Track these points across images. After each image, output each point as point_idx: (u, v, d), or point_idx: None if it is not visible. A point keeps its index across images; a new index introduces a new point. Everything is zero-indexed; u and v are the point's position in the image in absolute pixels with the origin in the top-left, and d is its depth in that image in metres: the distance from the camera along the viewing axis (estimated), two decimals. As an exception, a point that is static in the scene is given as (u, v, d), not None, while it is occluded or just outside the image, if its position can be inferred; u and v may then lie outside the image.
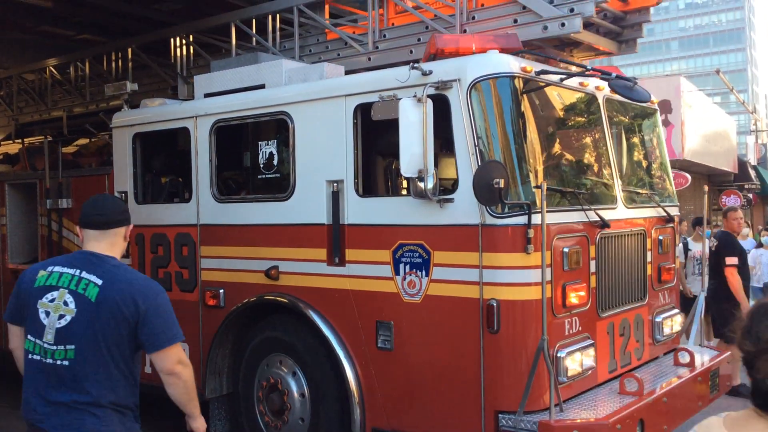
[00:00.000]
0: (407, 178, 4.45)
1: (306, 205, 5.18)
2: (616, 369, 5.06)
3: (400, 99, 4.34)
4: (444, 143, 5.01)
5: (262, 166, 5.51)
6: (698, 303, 6.26)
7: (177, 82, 7.08)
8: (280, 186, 5.38)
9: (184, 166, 6.02)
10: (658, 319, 5.69)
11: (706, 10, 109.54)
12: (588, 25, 5.24)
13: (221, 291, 5.74)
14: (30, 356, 3.01)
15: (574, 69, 5.06)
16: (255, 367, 5.60)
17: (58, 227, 7.34)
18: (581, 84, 4.97)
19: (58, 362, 2.93)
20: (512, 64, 4.47)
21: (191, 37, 7.29)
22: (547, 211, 4.40)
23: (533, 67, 4.54)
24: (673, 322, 5.88)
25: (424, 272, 4.64)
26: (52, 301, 2.98)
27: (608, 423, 4.21)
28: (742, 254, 7.97)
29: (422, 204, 4.55)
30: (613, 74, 4.61)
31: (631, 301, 5.32)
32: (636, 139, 5.98)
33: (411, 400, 4.74)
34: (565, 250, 4.55)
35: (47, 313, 2.97)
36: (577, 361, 4.60)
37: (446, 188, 4.71)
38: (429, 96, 4.39)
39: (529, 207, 4.27)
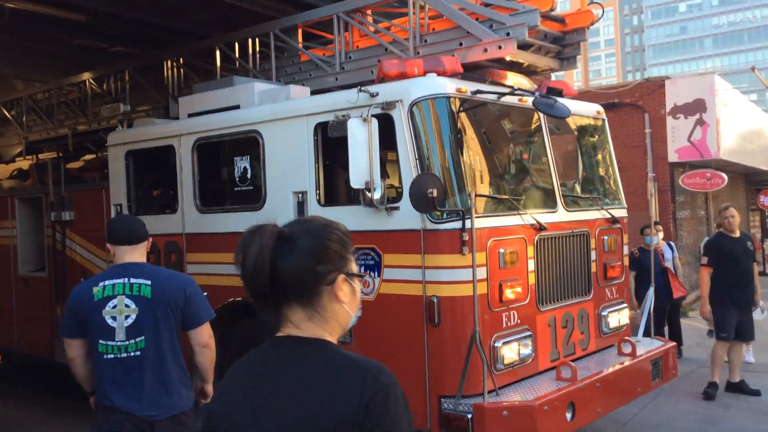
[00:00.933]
0: (352, 191, 4.99)
1: (276, 214, 5.72)
2: (558, 358, 5.55)
3: (348, 119, 4.89)
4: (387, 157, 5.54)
5: (237, 179, 6.09)
6: (648, 297, 6.74)
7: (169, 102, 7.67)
8: (254, 197, 5.95)
9: (171, 180, 6.61)
10: (604, 313, 6.18)
11: (740, 6, 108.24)
12: (529, 47, 5.75)
13: (205, 294, 6.30)
14: (105, 357, 3.67)
15: (522, 87, 5.61)
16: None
17: (62, 238, 7.97)
18: (520, 100, 5.49)
19: (132, 354, 3.64)
20: (448, 86, 5.01)
21: (181, 60, 7.89)
22: (484, 216, 4.96)
23: (468, 87, 5.07)
24: (620, 316, 6.37)
25: (376, 273, 5.18)
26: (114, 307, 3.68)
27: (535, 405, 4.73)
28: (729, 253, 7.82)
29: (373, 212, 5.09)
30: (537, 93, 5.13)
31: (574, 296, 5.82)
32: (581, 148, 6.47)
33: (368, 387, 5.28)
34: (501, 250, 5.07)
35: (114, 318, 3.68)
36: (514, 350, 5.11)
37: (395, 197, 5.24)
38: (376, 115, 4.94)
39: (463, 213, 4.80)
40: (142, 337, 3.67)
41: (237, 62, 7.31)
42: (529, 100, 5.50)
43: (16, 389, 9.01)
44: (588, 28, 5.93)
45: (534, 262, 5.38)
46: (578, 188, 6.26)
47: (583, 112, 6.46)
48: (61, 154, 9.96)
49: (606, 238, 6.26)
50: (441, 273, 4.88)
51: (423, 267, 4.92)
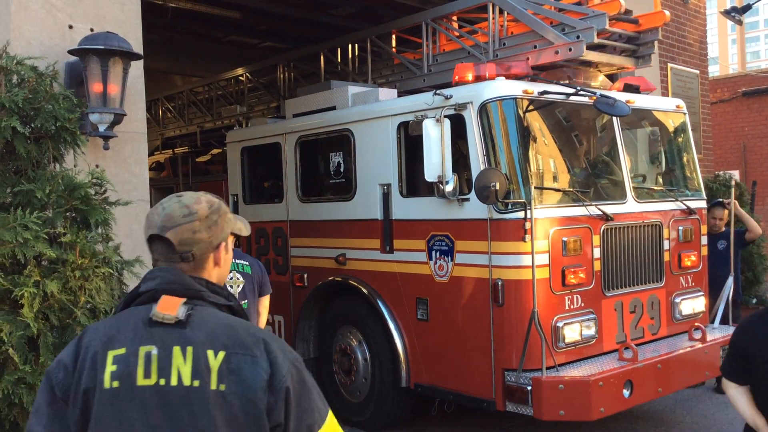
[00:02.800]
0: (428, 183, 5.56)
1: (364, 204, 6.42)
2: (624, 341, 5.90)
3: (423, 119, 5.47)
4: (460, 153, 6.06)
5: (332, 172, 6.81)
6: (726, 286, 6.90)
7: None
8: (346, 189, 6.65)
9: (278, 173, 7.42)
10: (677, 300, 6.43)
11: None
12: (602, 47, 6.09)
13: (305, 274, 7.10)
14: None
15: (594, 85, 6.01)
16: (332, 335, 6.91)
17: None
18: (591, 99, 5.86)
19: None
20: (515, 88, 5.48)
21: (291, 64, 8.73)
22: (547, 207, 5.42)
23: (534, 89, 5.51)
24: (695, 304, 6.59)
25: (449, 258, 5.75)
26: (230, 279, 5.07)
27: (590, 380, 5.15)
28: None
29: (446, 203, 5.66)
30: (598, 93, 5.49)
31: (644, 283, 6.13)
32: (658, 141, 6.73)
33: (442, 360, 5.87)
34: (564, 239, 5.49)
35: (230, 287, 5.03)
36: (576, 330, 5.53)
37: (467, 190, 5.77)
38: (449, 116, 5.50)
39: (525, 204, 5.27)
40: (245, 301, 5.12)
41: (339, 66, 8.02)
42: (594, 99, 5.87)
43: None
44: (661, 28, 6.18)
45: (600, 250, 5.75)
46: (652, 180, 6.52)
47: (661, 106, 6.71)
48: (191, 149, 11.11)
49: (681, 228, 6.50)
50: (505, 258, 5.38)
51: (489, 252, 5.44)
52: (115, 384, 1.83)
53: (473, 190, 5.42)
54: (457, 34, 6.79)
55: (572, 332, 5.52)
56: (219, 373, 1.83)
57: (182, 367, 1.84)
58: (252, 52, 11.58)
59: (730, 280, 6.89)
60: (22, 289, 3.37)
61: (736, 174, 12.68)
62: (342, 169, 6.71)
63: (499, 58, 6.36)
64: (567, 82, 6.03)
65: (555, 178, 5.77)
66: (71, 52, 4.56)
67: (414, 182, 6.12)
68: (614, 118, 6.03)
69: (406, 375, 6.13)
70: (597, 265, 5.74)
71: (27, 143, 3.68)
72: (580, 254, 5.61)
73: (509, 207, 5.35)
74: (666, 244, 6.34)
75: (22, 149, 3.65)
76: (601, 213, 5.72)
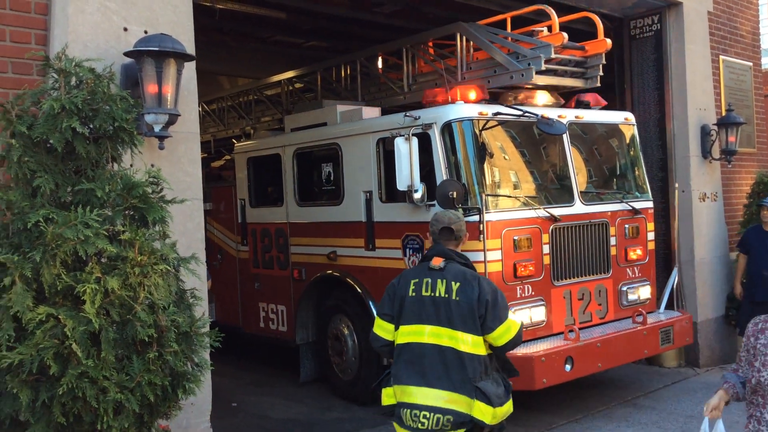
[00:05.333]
0: (401, 191, 6.56)
1: (351, 208, 7.44)
2: (573, 324, 6.87)
3: (396, 137, 6.47)
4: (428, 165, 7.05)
5: (324, 180, 7.85)
6: (672, 275, 7.86)
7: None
8: (335, 195, 7.68)
9: (279, 181, 8.46)
10: (623, 289, 7.40)
11: None
12: (552, 71, 7.05)
13: (303, 268, 8.15)
14: None
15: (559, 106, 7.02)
16: (326, 322, 7.96)
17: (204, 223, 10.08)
18: (542, 116, 6.82)
19: None
20: (471, 111, 6.47)
21: (294, 83, 9.77)
22: (499, 212, 6.41)
23: (489, 111, 6.50)
24: (640, 292, 7.56)
25: (420, 254, 6.76)
26: None
27: (533, 356, 6.15)
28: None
29: (417, 208, 6.66)
30: (538, 116, 6.48)
31: (591, 274, 7.10)
32: (606, 150, 7.69)
33: (416, 342, 6.89)
34: (515, 237, 6.48)
35: None
36: (525, 315, 6.52)
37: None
38: (417, 134, 6.50)
39: (480, 209, 6.27)
40: None
41: (333, 84, 9.04)
42: (551, 115, 6.85)
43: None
44: (604, 54, 7.14)
45: (549, 247, 6.74)
46: (599, 185, 7.49)
47: (610, 120, 7.67)
48: (207, 154, 12.15)
49: (627, 226, 7.46)
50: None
51: (451, 250, 6.44)
52: (413, 294, 4.03)
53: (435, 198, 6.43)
54: (431, 58, 7.77)
55: (523, 316, 6.51)
56: (457, 292, 3.94)
57: (441, 288, 3.98)
58: (297, 51, 11.84)
59: (675, 270, 7.83)
60: (84, 286, 3.42)
61: None
62: (332, 178, 7.74)
63: (465, 80, 7.34)
64: (521, 102, 7.02)
65: (509, 186, 6.75)
66: (127, 54, 4.61)
67: (391, 190, 7.09)
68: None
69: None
70: (546, 260, 6.73)
71: (86, 143, 3.72)
72: (530, 250, 6.59)
73: (466, 212, 6.34)
74: (613, 240, 7.31)
75: (82, 149, 3.69)
76: (548, 215, 6.70)
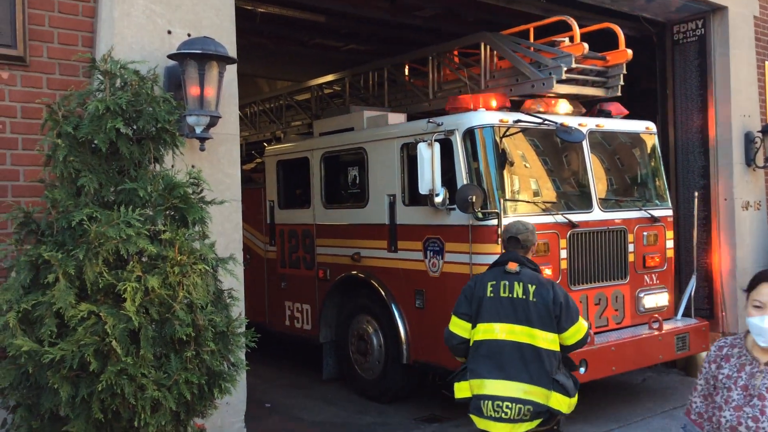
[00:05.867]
0: (423, 195, 6.78)
1: (375, 211, 7.68)
2: (589, 327, 7.00)
3: (419, 142, 6.69)
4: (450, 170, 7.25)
5: (350, 183, 8.10)
6: (691, 283, 7.95)
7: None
8: (360, 197, 7.92)
9: (307, 183, 8.73)
10: (640, 295, 7.53)
11: None
12: (573, 81, 7.22)
13: (328, 269, 8.40)
14: None
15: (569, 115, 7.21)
16: (350, 322, 8.19)
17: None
18: (563, 124, 6.99)
19: None
20: (492, 118, 6.67)
21: (323, 89, 10.06)
22: (519, 216, 6.59)
23: (509, 118, 6.70)
24: (657, 299, 7.68)
25: (441, 256, 6.97)
26: None
27: (548, 357, 6.31)
28: None
29: (438, 211, 6.87)
30: (558, 124, 6.65)
31: (608, 280, 7.24)
32: (626, 159, 7.82)
33: (436, 342, 7.07)
34: (533, 242, 6.66)
35: None
36: (542, 318, 6.69)
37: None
38: (440, 140, 6.72)
39: (498, 214, 6.46)
40: None
41: (361, 90, 9.31)
42: (571, 122, 7.02)
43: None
44: (625, 63, 7.29)
45: (567, 252, 6.90)
46: (619, 193, 7.63)
47: (631, 129, 7.81)
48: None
49: (645, 234, 7.59)
50: (482, 257, 6.56)
51: (470, 253, 6.64)
52: (491, 294, 4.41)
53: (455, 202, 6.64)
54: (456, 66, 7.99)
55: (539, 319, 6.67)
56: (534, 294, 4.34)
57: (518, 290, 4.36)
58: (336, 54, 11.96)
59: (693, 278, 7.93)
60: (125, 284, 3.46)
61: None
62: (357, 181, 7.99)
63: (488, 88, 7.55)
64: (543, 110, 7.20)
65: (528, 192, 6.93)
66: (170, 56, 4.67)
67: (414, 193, 7.30)
68: (585, 139, 7.17)
69: (407, 353, 7.37)
70: (564, 264, 6.89)
71: (130, 144, 3.78)
72: (548, 255, 6.76)
73: (485, 216, 6.54)
74: (631, 247, 7.45)
75: (126, 150, 3.75)
76: (567, 220, 6.87)
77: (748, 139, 9.00)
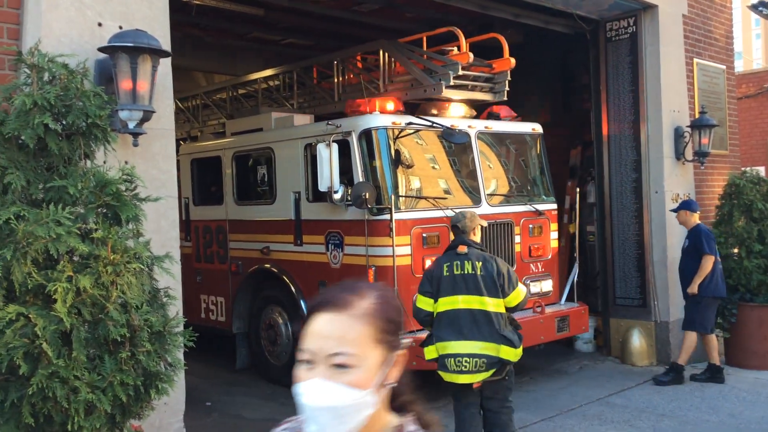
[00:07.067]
0: (322, 192, 7.30)
1: (282, 207, 8.17)
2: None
3: (318, 143, 7.21)
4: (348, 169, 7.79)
5: (259, 181, 8.57)
6: (573, 270, 8.71)
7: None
8: (269, 194, 8.40)
9: (220, 181, 9.16)
10: (527, 282, 8.22)
11: None
12: (463, 87, 7.86)
13: (240, 262, 8.86)
14: None
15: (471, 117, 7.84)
16: (261, 312, 8.66)
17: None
18: (452, 126, 7.61)
19: None
20: (385, 120, 7.25)
21: (237, 89, 10.47)
22: (410, 211, 7.18)
23: (402, 121, 7.28)
24: (542, 285, 8.40)
25: (341, 249, 7.51)
26: None
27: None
28: None
29: (337, 207, 7.41)
30: (444, 126, 7.29)
31: (496, 269, 7.90)
32: (513, 157, 8.52)
33: (337, 328, 7.62)
34: (424, 235, 7.27)
35: None
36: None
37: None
38: (338, 141, 7.25)
39: (390, 209, 7.04)
40: None
41: (273, 93, 9.78)
42: (460, 125, 7.65)
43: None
44: (509, 71, 7.98)
45: (456, 243, 7.52)
46: (506, 189, 8.31)
47: (518, 130, 8.50)
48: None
49: (531, 226, 8.29)
50: (377, 249, 7.15)
51: (366, 245, 7.20)
52: (447, 273, 5.35)
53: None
54: (358, 71, 8.54)
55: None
56: (480, 268, 5.29)
57: (468, 267, 5.30)
58: (275, 48, 11.87)
59: (576, 265, 8.69)
60: (55, 284, 3.34)
61: (761, 170, 12.97)
62: (266, 179, 8.47)
63: (386, 92, 8.12)
64: (437, 113, 7.82)
65: (419, 189, 7.54)
66: (101, 49, 4.50)
67: (317, 190, 7.84)
68: (473, 139, 7.81)
69: (311, 340, 7.87)
70: (453, 255, 7.51)
71: (59, 140, 3.63)
72: (438, 246, 7.37)
73: (379, 211, 7.11)
74: (517, 239, 8.14)
75: (54, 146, 3.60)
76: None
77: (678, 133, 9.27)
